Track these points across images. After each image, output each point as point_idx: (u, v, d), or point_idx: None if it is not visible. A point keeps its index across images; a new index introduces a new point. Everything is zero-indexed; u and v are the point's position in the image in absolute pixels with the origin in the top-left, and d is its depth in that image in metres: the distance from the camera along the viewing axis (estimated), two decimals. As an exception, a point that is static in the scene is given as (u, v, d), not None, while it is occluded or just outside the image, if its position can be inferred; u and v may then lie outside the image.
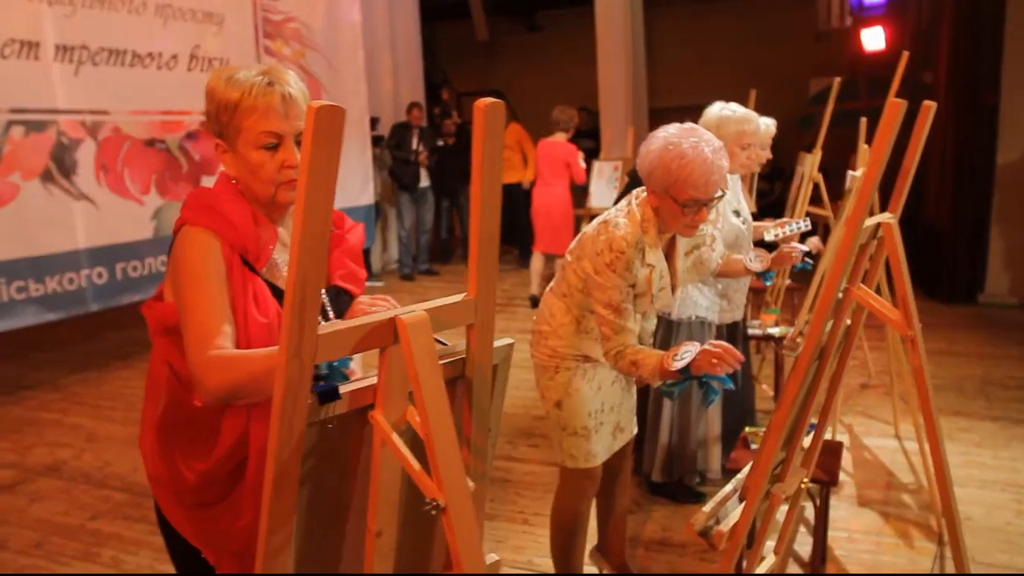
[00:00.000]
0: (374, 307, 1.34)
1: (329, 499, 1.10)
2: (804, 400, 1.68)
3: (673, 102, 9.32)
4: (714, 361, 1.72)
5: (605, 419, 2.17)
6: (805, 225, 2.82)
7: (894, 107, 1.43)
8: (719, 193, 1.87)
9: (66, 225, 4.46)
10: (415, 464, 1.00)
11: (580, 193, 6.55)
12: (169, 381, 1.34)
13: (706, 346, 1.76)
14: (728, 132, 2.65)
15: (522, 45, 10.95)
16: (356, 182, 6.76)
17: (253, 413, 1.27)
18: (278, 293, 1.34)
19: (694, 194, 1.82)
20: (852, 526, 2.79)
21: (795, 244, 2.60)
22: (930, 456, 2.97)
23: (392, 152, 7.37)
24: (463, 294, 1.09)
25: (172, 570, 1.53)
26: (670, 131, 1.87)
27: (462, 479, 0.99)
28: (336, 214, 1.56)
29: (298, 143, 1.34)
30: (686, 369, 1.77)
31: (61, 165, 4.44)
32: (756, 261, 2.57)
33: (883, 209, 3.37)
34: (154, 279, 5.01)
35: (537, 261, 6.30)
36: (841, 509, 2.88)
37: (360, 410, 1.06)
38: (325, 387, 0.99)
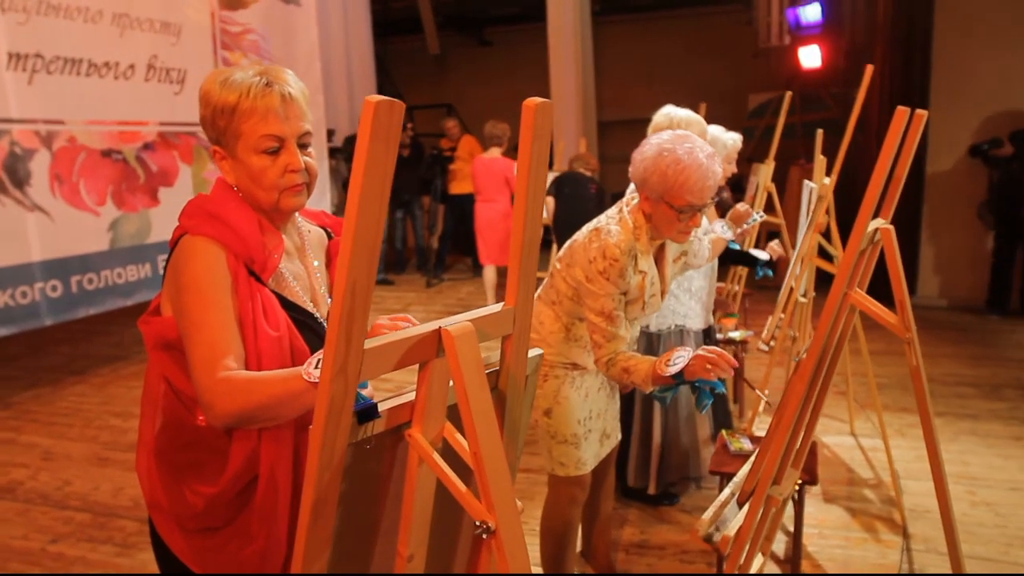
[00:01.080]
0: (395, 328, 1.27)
1: (359, 522, 1.03)
2: (804, 404, 1.69)
3: (620, 115, 9.46)
4: (708, 367, 1.71)
5: (593, 426, 2.15)
6: (760, 216, 2.97)
7: (900, 114, 1.45)
8: (713, 198, 1.88)
9: (19, 237, 4.26)
10: (460, 485, 0.94)
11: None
12: (167, 398, 1.24)
13: (699, 351, 1.76)
14: (695, 132, 2.67)
15: (473, 59, 10.97)
16: (314, 192, 6.65)
17: (264, 433, 1.19)
18: (286, 304, 1.26)
19: (690, 199, 1.82)
20: (821, 522, 2.85)
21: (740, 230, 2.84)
22: (887, 452, 3.07)
23: (349, 163, 7.26)
24: (501, 304, 1.04)
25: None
26: (663, 138, 1.86)
27: (512, 500, 0.94)
28: (335, 220, 1.48)
29: (301, 145, 1.27)
30: (680, 374, 1.77)
31: (14, 175, 4.24)
32: (728, 230, 2.70)
33: (838, 213, 3.49)
34: (110, 292, 4.81)
35: (490, 273, 6.30)
36: (810, 506, 2.94)
37: (393, 429, 0.99)
38: (364, 405, 0.92)
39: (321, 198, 6.77)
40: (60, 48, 4.40)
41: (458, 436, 0.99)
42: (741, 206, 2.87)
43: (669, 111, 2.71)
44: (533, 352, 1.15)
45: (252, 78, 1.23)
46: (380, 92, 8.89)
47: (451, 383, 0.98)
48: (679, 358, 1.78)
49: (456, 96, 10.83)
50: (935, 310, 6.09)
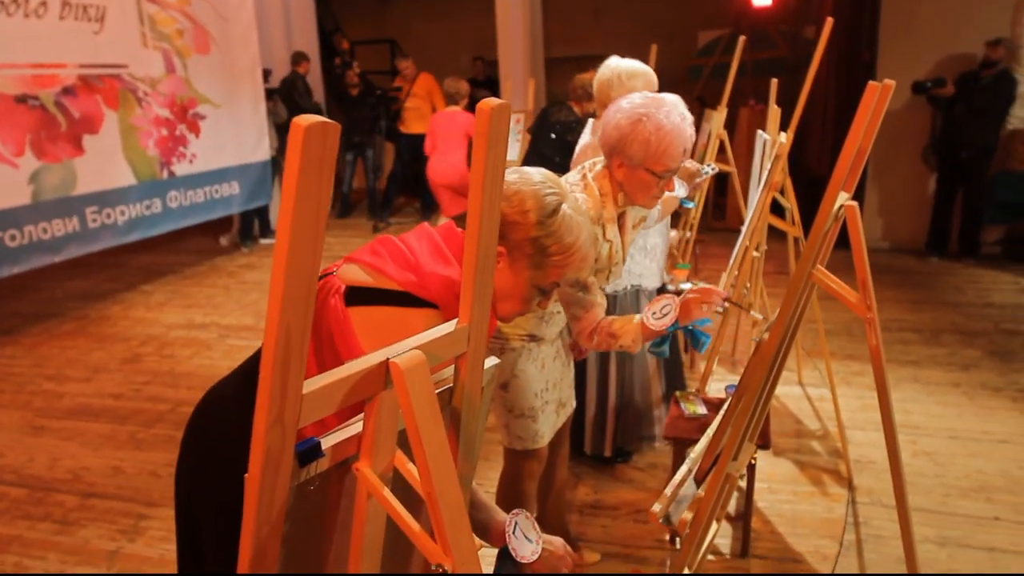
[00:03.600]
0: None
1: (303, 557, 0.96)
2: (764, 382, 1.66)
3: (568, 52, 9.17)
4: (704, 307, 1.71)
5: (550, 397, 2.11)
6: (713, 168, 2.95)
7: (871, 90, 1.37)
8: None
9: (-71, 192, 3.92)
10: (414, 524, 0.87)
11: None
12: None
13: (687, 294, 1.76)
14: (636, 84, 2.58)
15: (416, -9, 10.44)
16: (251, 137, 6.31)
17: None
18: None
19: (670, 164, 1.79)
20: (770, 476, 2.91)
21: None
22: (835, 404, 3.09)
23: (285, 104, 6.88)
24: (455, 321, 0.95)
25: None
26: (636, 101, 1.79)
27: (470, 539, 0.87)
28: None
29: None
30: (674, 322, 1.77)
31: (-81, 125, 3.89)
32: (679, 189, 2.70)
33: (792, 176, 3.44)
34: (36, 248, 4.50)
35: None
36: (759, 460, 2.99)
37: (339, 463, 0.91)
38: (306, 444, 0.84)
39: (258, 144, 6.45)
40: (-42, -18, 4.00)
41: (410, 466, 0.92)
42: (690, 164, 2.82)
43: (615, 64, 2.60)
44: (489, 363, 1.08)
45: (587, 242, 1.37)
46: (320, 27, 8.42)
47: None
48: (666, 307, 1.79)
49: (399, 31, 10.34)
50: (877, 252, 6.20)
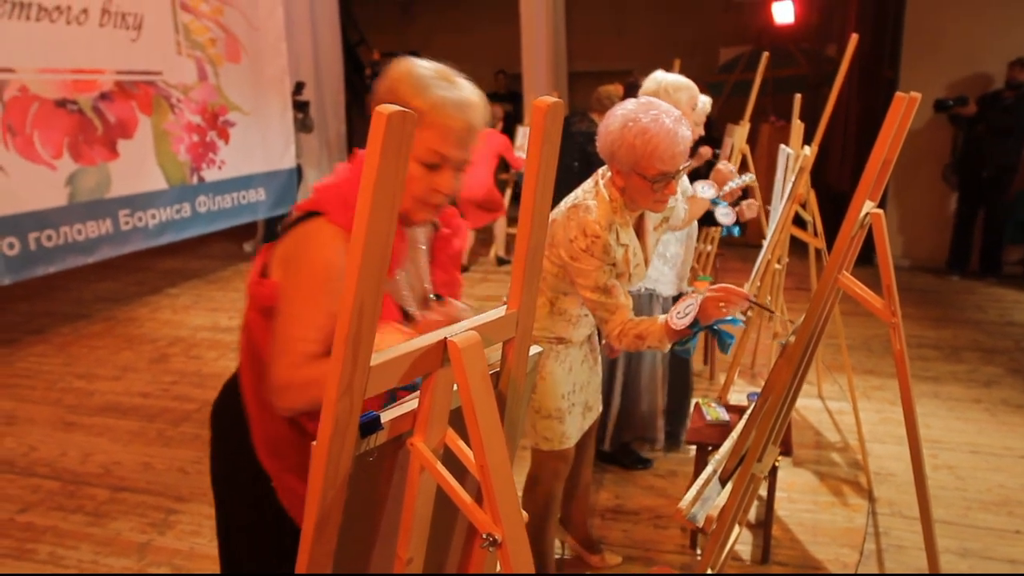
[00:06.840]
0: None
1: (358, 528, 1.01)
2: (789, 386, 1.70)
3: (590, 67, 9.28)
4: (722, 306, 1.72)
5: (576, 400, 2.16)
6: (749, 178, 2.96)
7: (899, 101, 1.42)
8: (685, 163, 1.86)
9: (-29, 193, 4.04)
10: (466, 497, 0.92)
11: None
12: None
13: (707, 293, 1.77)
14: (681, 97, 2.64)
15: (440, 4, 10.61)
16: (277, 144, 6.45)
17: None
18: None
19: (662, 168, 1.80)
20: (791, 486, 2.93)
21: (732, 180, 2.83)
22: (856, 417, 3.11)
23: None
24: (503, 306, 1.01)
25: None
26: (628, 107, 1.83)
27: (518, 512, 0.93)
28: (448, 211, 1.48)
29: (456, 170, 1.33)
30: (695, 322, 1.78)
31: (-37, 128, 4.02)
32: (708, 190, 2.70)
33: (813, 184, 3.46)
34: (70, 249, 4.61)
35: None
36: (779, 470, 3.01)
37: (395, 438, 0.97)
38: (368, 417, 0.90)
39: (285, 151, 6.57)
40: (7, -9, 4.14)
41: (460, 444, 0.97)
42: (723, 165, 2.85)
43: (660, 77, 2.67)
44: (533, 350, 1.13)
45: (448, 93, 1.26)
46: (344, 39, 8.57)
47: (454, 387, 0.96)
48: (688, 307, 1.80)
49: (422, 43, 10.48)
50: (898, 270, 6.08)
